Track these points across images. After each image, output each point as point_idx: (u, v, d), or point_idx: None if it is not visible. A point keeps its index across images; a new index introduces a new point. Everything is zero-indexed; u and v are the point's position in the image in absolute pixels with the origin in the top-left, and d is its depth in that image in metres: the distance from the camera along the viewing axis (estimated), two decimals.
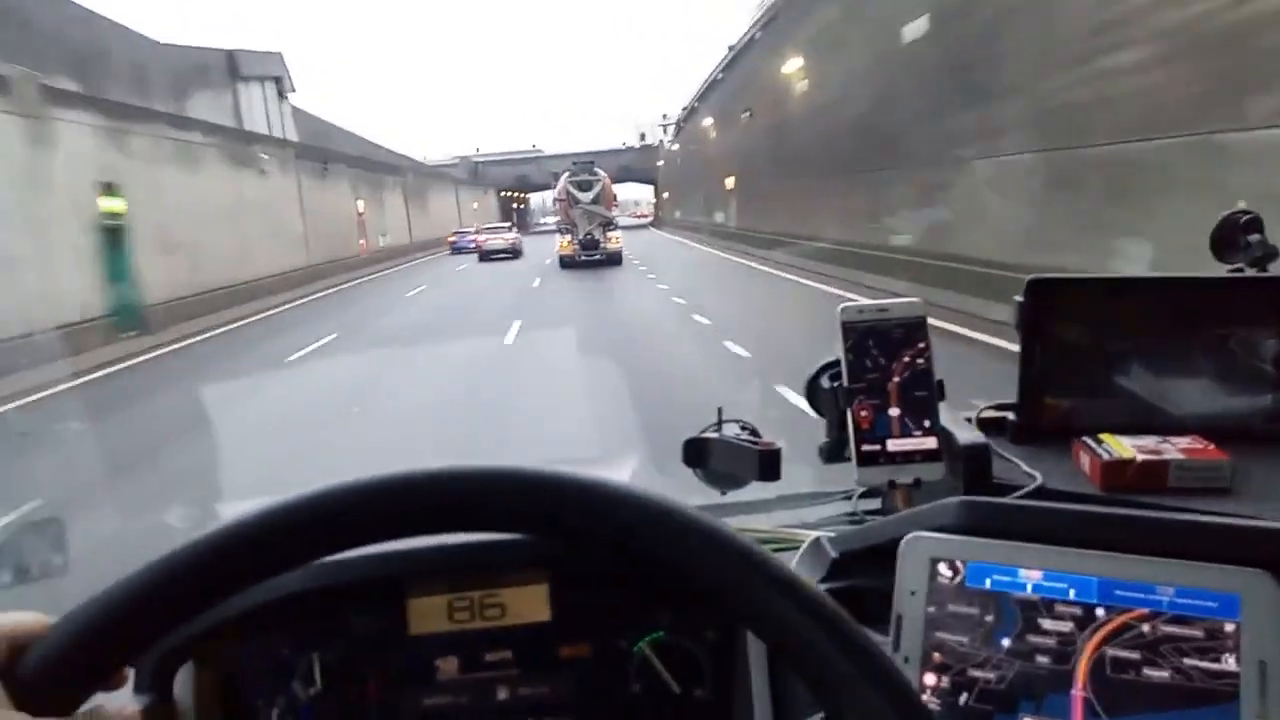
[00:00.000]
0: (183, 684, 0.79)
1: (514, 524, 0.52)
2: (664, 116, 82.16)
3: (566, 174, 29.04)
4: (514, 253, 36.04)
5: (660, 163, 70.94)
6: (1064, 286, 0.94)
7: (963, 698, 0.70)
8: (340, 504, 0.50)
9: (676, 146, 64.82)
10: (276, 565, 0.50)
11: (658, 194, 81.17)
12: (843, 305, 0.93)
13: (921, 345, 0.90)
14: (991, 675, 0.70)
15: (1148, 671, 0.65)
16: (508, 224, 47.62)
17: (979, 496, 0.79)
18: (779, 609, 0.49)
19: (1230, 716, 0.62)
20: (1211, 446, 0.86)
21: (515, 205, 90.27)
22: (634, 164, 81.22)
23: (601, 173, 29.20)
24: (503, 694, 0.84)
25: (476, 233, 42.55)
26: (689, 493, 1.12)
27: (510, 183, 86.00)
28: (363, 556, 0.83)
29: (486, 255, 36.11)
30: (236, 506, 0.51)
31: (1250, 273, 1.00)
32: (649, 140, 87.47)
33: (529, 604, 0.85)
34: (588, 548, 0.54)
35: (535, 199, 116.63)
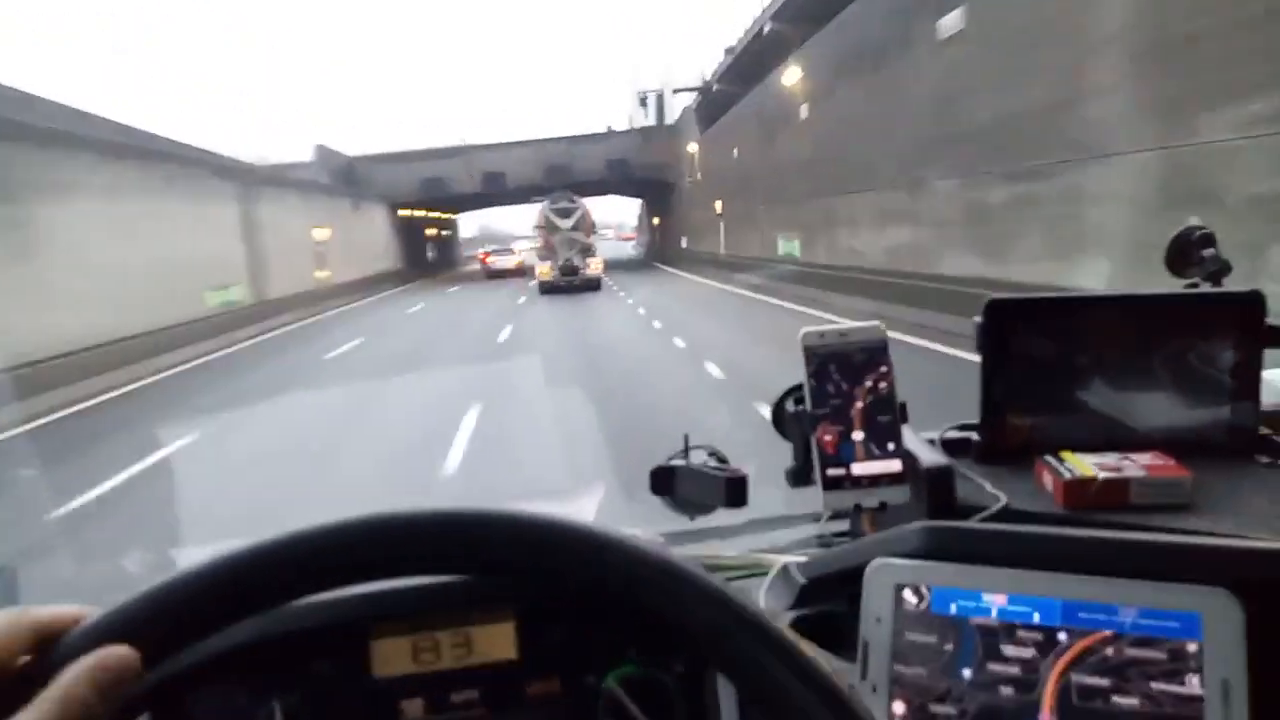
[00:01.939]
0: None
1: (490, 569, 0.52)
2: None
3: (547, 201, 29.72)
4: None
5: (693, 146, 38.46)
6: (1022, 306, 0.95)
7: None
8: (320, 546, 0.50)
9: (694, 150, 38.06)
10: (257, 605, 0.50)
11: (661, 207, 51.55)
12: (804, 330, 0.93)
13: (884, 369, 0.90)
14: (955, 708, 0.69)
15: (1115, 699, 0.64)
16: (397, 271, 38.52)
17: (943, 520, 0.79)
18: (752, 655, 0.49)
19: None
20: (1172, 462, 0.87)
21: (431, 233, 56.10)
22: (630, 155, 47.68)
23: (580, 200, 30.06)
24: None
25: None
26: (657, 520, 1.12)
27: (415, 193, 46.17)
28: (324, 600, 0.82)
29: None
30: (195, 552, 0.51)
31: (1205, 287, 1.01)
32: (648, 119, 56.37)
33: (496, 642, 0.83)
34: (558, 590, 0.54)
35: (468, 222, 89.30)
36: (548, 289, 26.85)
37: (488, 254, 45.92)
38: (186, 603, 0.48)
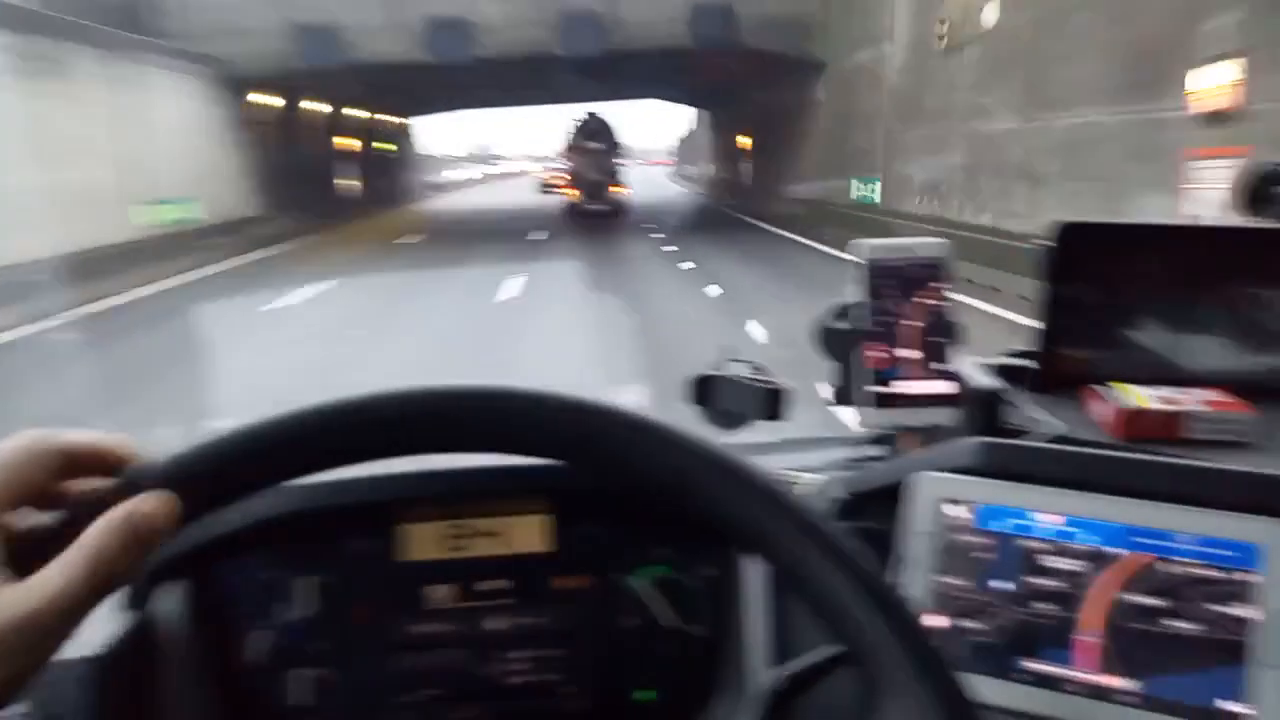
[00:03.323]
0: (170, 602, 0.78)
1: (554, 450, 0.50)
2: None
3: (574, 124, 29.25)
4: None
5: None
6: (1095, 230, 0.91)
7: (968, 640, 0.69)
8: (388, 409, 0.48)
9: None
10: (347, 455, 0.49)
11: (766, 120, 27.07)
12: (863, 243, 0.90)
13: (942, 287, 0.87)
14: (1000, 620, 0.68)
15: (1162, 621, 0.63)
16: None
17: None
18: (800, 545, 0.48)
19: (1246, 667, 0.61)
20: (1233, 399, 0.84)
21: (347, 144, 31.63)
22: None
23: (609, 122, 29.49)
24: (495, 623, 0.84)
25: None
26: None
27: (279, 57, 20.40)
28: (358, 478, 0.82)
29: None
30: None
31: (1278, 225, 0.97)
32: None
33: (530, 534, 0.83)
34: (602, 479, 0.52)
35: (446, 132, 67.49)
36: (575, 212, 26.91)
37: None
38: (230, 457, 0.47)
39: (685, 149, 64.58)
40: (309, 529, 0.82)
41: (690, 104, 46.42)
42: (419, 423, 0.49)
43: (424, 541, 0.83)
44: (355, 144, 32.72)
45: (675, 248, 17.06)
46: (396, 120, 39.76)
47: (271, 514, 0.80)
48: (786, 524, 0.48)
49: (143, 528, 0.43)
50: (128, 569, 0.43)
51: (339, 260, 16.49)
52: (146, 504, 0.43)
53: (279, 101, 24.67)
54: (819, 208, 19.76)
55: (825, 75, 20.93)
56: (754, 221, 23.40)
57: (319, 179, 27.50)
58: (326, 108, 29.15)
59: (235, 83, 20.64)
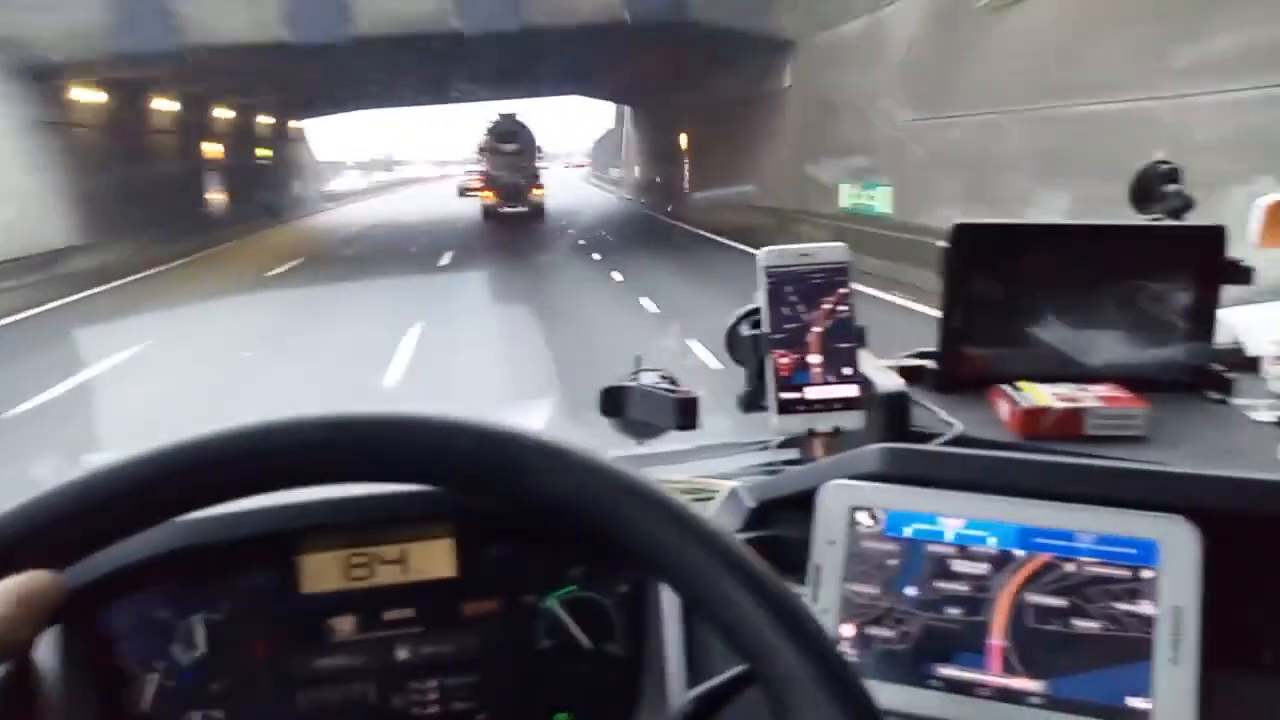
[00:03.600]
0: (50, 648, 0.73)
1: (435, 479, 0.49)
2: None
3: (488, 125, 28.77)
4: None
5: None
6: (988, 231, 0.93)
7: (880, 649, 0.68)
8: (250, 447, 0.46)
9: None
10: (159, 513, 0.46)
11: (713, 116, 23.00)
12: (764, 250, 0.90)
13: (844, 291, 0.88)
14: (895, 630, 0.68)
15: (1070, 620, 0.64)
16: None
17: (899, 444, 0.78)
18: (698, 562, 0.47)
19: (1150, 663, 0.62)
20: (1129, 395, 0.86)
21: (206, 151, 25.16)
22: None
23: (525, 124, 29.22)
24: (403, 653, 0.81)
25: None
26: (605, 443, 1.09)
27: (83, 35, 14.50)
28: (251, 510, 0.78)
29: None
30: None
31: (1167, 223, 1.00)
32: None
33: (433, 559, 0.81)
34: (503, 504, 0.50)
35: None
36: (490, 214, 26.59)
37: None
38: (94, 505, 0.44)
39: (603, 151, 58.01)
40: (201, 564, 0.78)
41: (616, 100, 41.44)
42: (304, 453, 0.47)
43: (324, 572, 0.79)
44: (228, 150, 27.09)
45: (621, 275, 14.24)
46: (284, 123, 34.96)
47: (159, 551, 0.76)
48: (687, 544, 0.47)
49: (32, 602, 0.42)
50: (20, 644, 0.42)
51: (178, 303, 12.14)
52: (33, 580, 0.42)
53: (111, 98, 18.76)
54: (789, 217, 16.04)
55: (795, 56, 17.24)
56: (707, 235, 19.39)
57: (180, 193, 22.12)
58: (186, 106, 23.13)
59: (40, 71, 15.57)
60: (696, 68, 22.75)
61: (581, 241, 20.19)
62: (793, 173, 16.57)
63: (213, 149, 26.25)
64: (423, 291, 13.03)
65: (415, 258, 18.07)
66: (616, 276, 14.32)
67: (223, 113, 27.00)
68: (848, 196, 14.10)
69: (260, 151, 31.71)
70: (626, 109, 41.23)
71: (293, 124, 37.25)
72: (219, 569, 0.78)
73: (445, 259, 17.39)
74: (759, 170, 19.02)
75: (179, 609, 0.78)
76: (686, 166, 27.22)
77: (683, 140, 27.49)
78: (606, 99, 42.50)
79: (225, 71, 21.07)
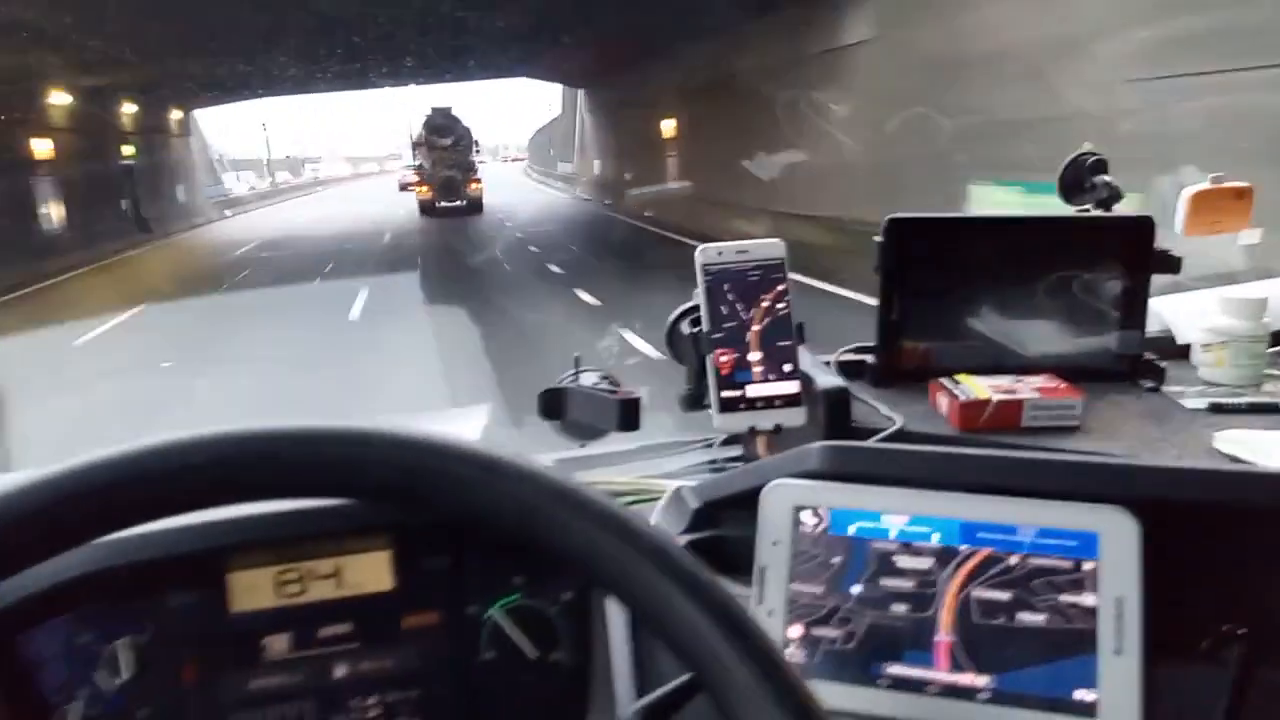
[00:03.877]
0: None
1: (360, 493, 0.47)
2: None
3: (424, 118, 28.45)
4: None
5: None
6: (919, 225, 0.93)
7: (828, 649, 0.68)
8: (167, 462, 0.43)
9: None
10: (55, 542, 0.43)
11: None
12: (701, 247, 0.89)
13: (781, 288, 0.87)
14: (840, 629, 0.68)
15: (1017, 615, 0.64)
16: None
17: (840, 441, 0.77)
18: (637, 570, 0.46)
19: (1093, 657, 0.62)
20: (1064, 385, 0.87)
21: None
22: None
23: (459, 118, 29.04)
24: (341, 670, 0.78)
25: None
26: (546, 446, 1.07)
27: None
28: (176, 528, 0.75)
29: None
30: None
31: (1096, 214, 1.01)
32: None
33: (369, 572, 0.78)
34: (437, 515, 0.48)
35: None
36: (426, 209, 26.26)
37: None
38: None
39: (546, 143, 49.84)
40: (124, 585, 0.75)
41: (569, 83, 34.60)
42: (224, 469, 0.44)
43: (256, 589, 0.77)
44: (71, 148, 20.07)
45: (598, 301, 10.57)
46: (161, 113, 27.62)
47: (77, 573, 0.72)
48: (624, 551, 0.46)
49: None
50: None
51: None
52: None
53: None
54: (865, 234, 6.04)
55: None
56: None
57: None
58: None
59: None
60: (692, 30, 16.96)
61: (555, 269, 14.08)
62: (866, 165, 11.82)
63: (45, 147, 19.09)
64: (329, 363, 8.28)
65: (324, 298, 12.78)
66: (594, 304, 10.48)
67: (61, 98, 19.89)
68: (989, 200, 8.78)
69: (125, 150, 24.26)
70: (581, 93, 34.75)
71: (174, 114, 29.81)
72: (143, 589, 0.75)
73: (357, 305, 11.03)
74: (797, 162, 13.62)
75: (102, 633, 0.74)
76: (673, 161, 21.49)
77: (667, 127, 22.10)
78: (558, 81, 36.13)
79: (63, 39, 15.40)
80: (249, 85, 29.10)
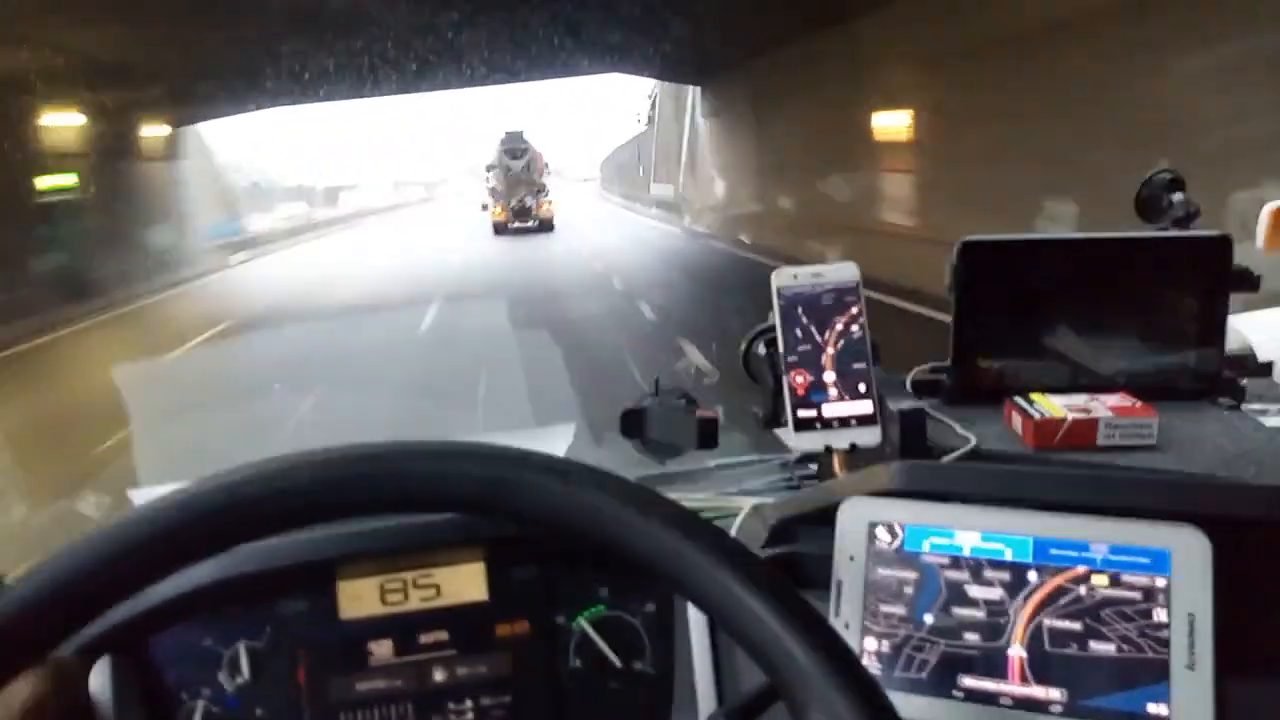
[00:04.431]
0: (100, 678, 0.76)
1: (457, 506, 0.51)
2: None
3: (499, 142, 29.51)
4: None
5: None
6: (993, 247, 0.95)
7: (901, 665, 0.70)
8: (285, 484, 0.48)
9: None
10: (189, 555, 0.48)
11: None
12: (776, 270, 0.92)
13: (855, 310, 0.89)
14: (933, 638, 0.70)
15: (1089, 643, 0.65)
16: None
17: (915, 460, 0.79)
18: (720, 580, 0.49)
19: (1165, 672, 0.63)
20: (1139, 404, 0.88)
21: None
22: None
23: (530, 142, 30.08)
24: (439, 675, 0.83)
25: None
26: (628, 464, 1.11)
27: None
28: (289, 540, 0.81)
29: None
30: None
31: (1174, 232, 1.01)
32: None
33: (464, 583, 0.83)
34: (527, 527, 0.52)
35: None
36: (500, 229, 27.14)
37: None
38: (109, 562, 0.46)
39: (629, 161, 41.31)
40: (244, 593, 0.81)
41: (677, 76, 26.39)
42: (311, 495, 0.49)
43: (362, 598, 0.82)
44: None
45: None
46: (128, 127, 18.83)
47: (204, 582, 0.79)
48: (709, 562, 0.49)
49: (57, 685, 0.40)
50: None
51: None
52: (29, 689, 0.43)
53: None
54: None
55: None
56: None
57: None
58: None
59: None
60: None
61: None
62: None
63: None
64: None
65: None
66: None
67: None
68: None
69: (54, 182, 15.70)
70: (694, 92, 26.24)
71: (152, 129, 20.56)
72: (261, 597, 0.81)
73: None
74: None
75: (223, 637, 0.80)
76: (898, 179, 13.32)
77: (888, 124, 13.52)
78: (660, 76, 27.83)
79: None
80: (274, 90, 19.41)
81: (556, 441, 1.15)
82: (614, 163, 51.15)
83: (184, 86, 17.96)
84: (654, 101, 34.42)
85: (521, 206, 27.79)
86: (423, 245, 24.38)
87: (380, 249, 25.14)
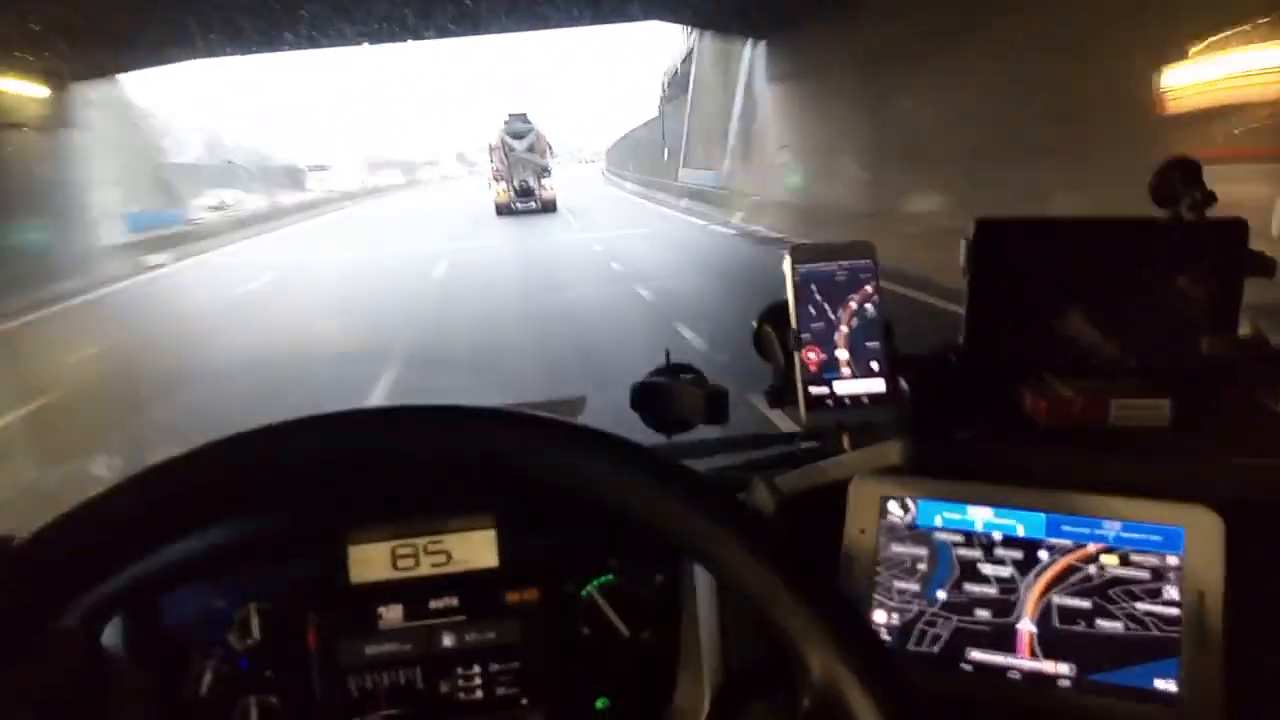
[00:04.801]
0: (114, 637, 0.76)
1: (472, 468, 0.51)
2: None
3: (502, 123, 29.43)
4: None
5: None
6: (1008, 226, 0.94)
7: (914, 639, 0.70)
8: (292, 444, 0.48)
9: None
10: (195, 519, 0.48)
11: None
12: (791, 246, 0.92)
13: (870, 289, 0.89)
14: (944, 612, 0.70)
15: (1097, 621, 0.66)
16: None
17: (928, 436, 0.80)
18: (731, 547, 0.49)
19: (1176, 651, 0.64)
20: (1151, 385, 0.88)
21: None
22: None
23: (534, 123, 29.72)
24: (448, 640, 0.83)
25: None
26: (634, 436, 1.11)
27: None
28: (300, 503, 0.81)
29: None
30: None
31: (1189, 218, 1.01)
32: None
33: (475, 550, 0.83)
34: (539, 491, 0.52)
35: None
36: (502, 211, 26.94)
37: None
38: (119, 521, 0.46)
39: (650, 141, 36.35)
40: (254, 555, 0.81)
41: (730, 28, 20.49)
42: (323, 459, 0.49)
43: (373, 562, 0.82)
44: None
45: None
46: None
47: (216, 542, 0.79)
48: (718, 526, 0.49)
49: None
50: None
51: None
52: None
53: None
54: None
55: None
56: None
57: None
58: None
59: None
60: None
61: None
62: None
63: None
64: None
65: None
66: None
67: None
68: None
69: None
70: (753, 49, 19.88)
71: (24, 88, 14.28)
72: (272, 560, 0.81)
73: None
74: None
75: (234, 598, 0.81)
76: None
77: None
78: (705, 25, 21.90)
79: None
80: (204, 35, 14.04)
81: (568, 413, 1.15)
82: (626, 146, 46.55)
83: (78, 27, 11.71)
84: (671, 78, 29.03)
85: (524, 187, 27.70)
86: (398, 242, 19.31)
87: (336, 255, 17.84)
